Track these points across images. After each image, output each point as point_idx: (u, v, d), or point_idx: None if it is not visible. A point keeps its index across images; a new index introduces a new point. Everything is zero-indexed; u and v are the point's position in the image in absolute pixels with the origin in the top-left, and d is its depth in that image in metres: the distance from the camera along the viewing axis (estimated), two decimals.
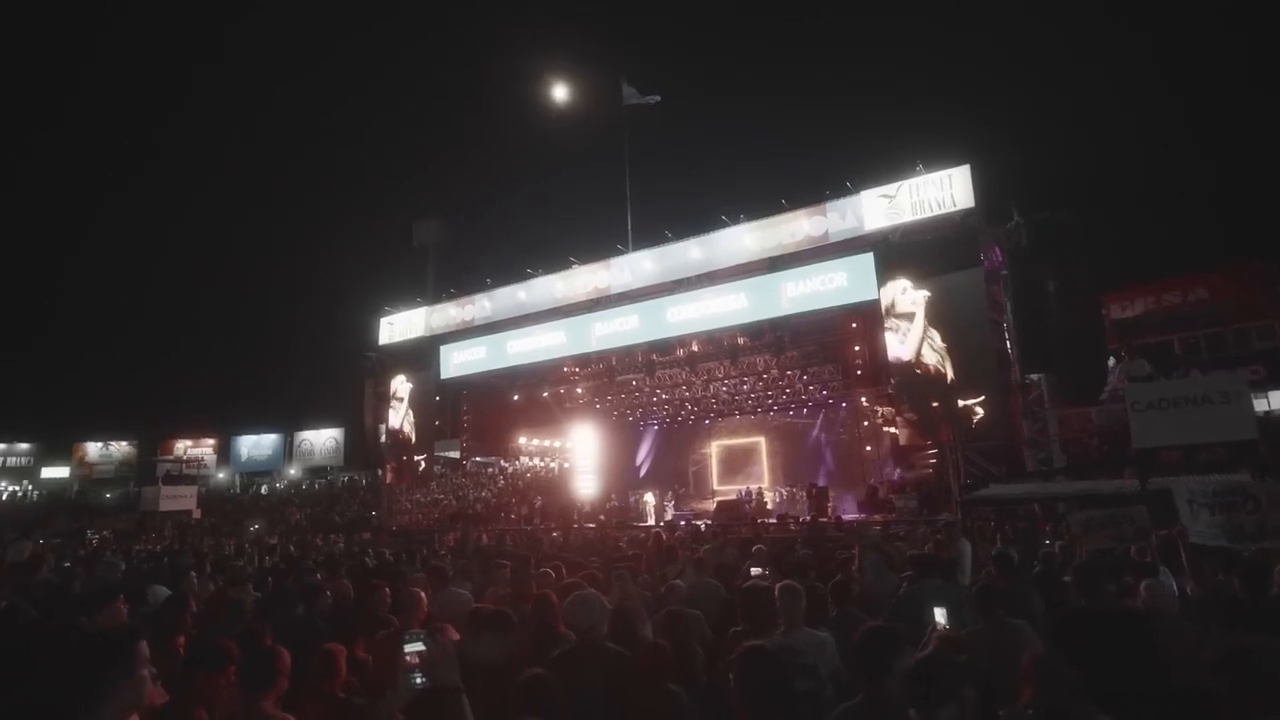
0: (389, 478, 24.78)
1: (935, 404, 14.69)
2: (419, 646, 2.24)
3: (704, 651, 4.10)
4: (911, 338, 15.15)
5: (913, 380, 15.15)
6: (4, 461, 43.81)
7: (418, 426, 23.75)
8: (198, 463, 39.80)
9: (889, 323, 15.50)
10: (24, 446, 44.15)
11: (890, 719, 2.45)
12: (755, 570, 5.57)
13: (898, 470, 19.18)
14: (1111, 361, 15.90)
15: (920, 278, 15.28)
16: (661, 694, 2.91)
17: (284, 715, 2.76)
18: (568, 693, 2.97)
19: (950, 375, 14.66)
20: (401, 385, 24.18)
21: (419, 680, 2.19)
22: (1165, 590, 3.94)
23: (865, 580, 5.57)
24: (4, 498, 40.58)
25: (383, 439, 24.78)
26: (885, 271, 15.64)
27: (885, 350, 15.78)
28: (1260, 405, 19.06)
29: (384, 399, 24.71)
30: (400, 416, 24.03)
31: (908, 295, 15.32)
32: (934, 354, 14.89)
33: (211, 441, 43.83)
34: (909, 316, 15.24)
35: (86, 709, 1.72)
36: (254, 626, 3.54)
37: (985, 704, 2.69)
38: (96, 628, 3.65)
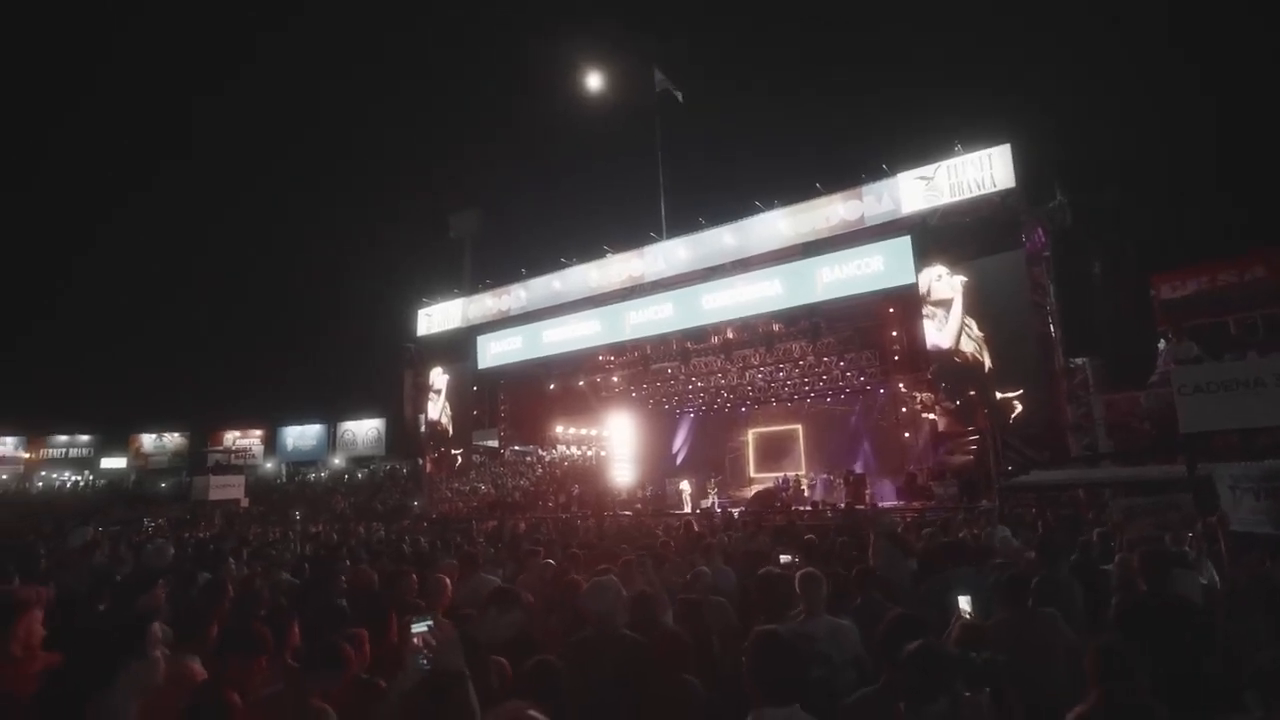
0: (428, 467, 25.20)
1: (973, 392, 14.42)
2: (424, 628, 2.28)
3: (729, 638, 4.09)
4: (950, 325, 14.88)
5: (951, 368, 14.86)
6: (67, 452, 45.83)
7: (455, 417, 24.12)
8: (245, 453, 40.99)
9: (926, 310, 15.22)
10: (85, 438, 46.15)
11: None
12: (784, 558, 5.53)
13: (937, 457, 18.85)
14: (1161, 344, 15.38)
15: (958, 261, 14.96)
16: (676, 683, 2.91)
17: (326, 707, 2.80)
18: (585, 678, 2.98)
19: (988, 363, 14.35)
20: (439, 377, 24.53)
21: (425, 661, 2.23)
22: (1191, 581, 3.81)
23: (877, 568, 5.49)
24: (68, 486, 42.39)
25: (422, 429, 25.19)
26: (923, 255, 15.34)
27: (924, 337, 15.53)
28: None
29: (423, 389, 25.11)
30: (438, 408, 24.40)
31: (944, 281, 15.04)
32: (971, 342, 14.60)
33: (259, 432, 45.13)
34: (945, 304, 14.96)
35: (99, 688, 1.78)
36: (278, 611, 3.63)
37: (1006, 693, 2.65)
38: (133, 611, 3.78)
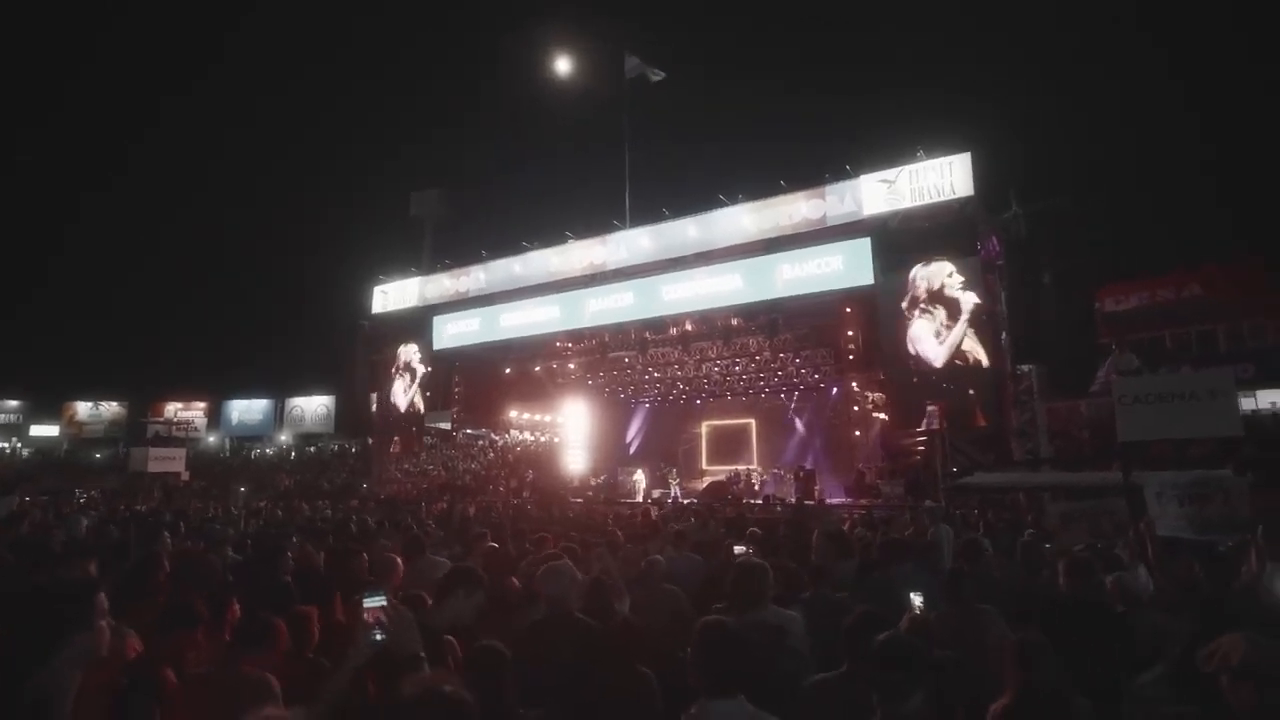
0: (395, 449, 24.75)
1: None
2: (379, 602, 2.24)
3: (683, 626, 4.10)
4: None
5: (922, 371, 15.04)
6: None
7: (411, 398, 23.77)
8: (188, 425, 39.66)
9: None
10: (13, 404, 43.95)
11: (869, 693, 2.45)
12: (739, 549, 5.57)
13: (886, 456, 19.20)
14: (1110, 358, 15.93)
15: (916, 265, 15.17)
16: (631, 673, 2.90)
17: (262, 674, 2.75)
18: (538, 663, 2.96)
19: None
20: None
21: (378, 637, 2.19)
22: (1136, 583, 3.96)
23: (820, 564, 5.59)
24: None
25: (374, 408, 24.75)
26: (889, 255, 15.49)
27: (884, 335, 15.55)
28: (1248, 404, 19.15)
29: (376, 367, 24.67)
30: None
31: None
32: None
33: (202, 405, 43.73)
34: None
35: (43, 659, 1.72)
36: (221, 588, 3.53)
37: (950, 686, 2.71)
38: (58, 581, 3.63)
